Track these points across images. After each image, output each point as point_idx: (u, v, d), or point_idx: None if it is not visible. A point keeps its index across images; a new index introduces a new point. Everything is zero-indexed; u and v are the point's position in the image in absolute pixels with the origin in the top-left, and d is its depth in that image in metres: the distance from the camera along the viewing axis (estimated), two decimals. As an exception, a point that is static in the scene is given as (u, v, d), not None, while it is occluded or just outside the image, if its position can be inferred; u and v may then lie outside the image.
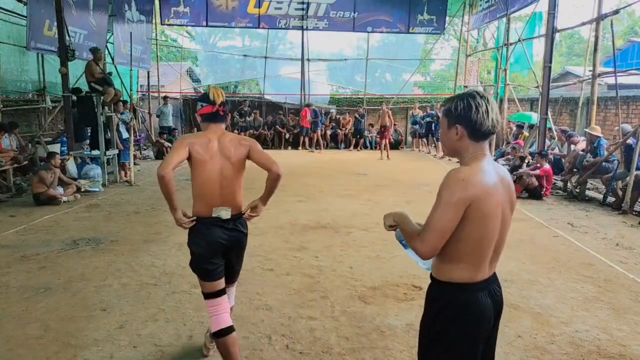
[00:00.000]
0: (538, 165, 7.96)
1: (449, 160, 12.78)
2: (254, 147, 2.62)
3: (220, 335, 2.54)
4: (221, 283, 2.61)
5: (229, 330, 2.55)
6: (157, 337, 3.14)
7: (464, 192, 1.58)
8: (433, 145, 14.83)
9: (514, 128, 12.50)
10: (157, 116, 14.51)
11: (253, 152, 2.61)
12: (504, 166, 9.64)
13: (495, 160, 10.19)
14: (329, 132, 16.04)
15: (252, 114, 15.72)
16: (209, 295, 2.60)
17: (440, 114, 1.80)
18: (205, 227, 2.54)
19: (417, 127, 15.50)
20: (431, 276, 1.78)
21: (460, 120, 1.69)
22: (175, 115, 15.70)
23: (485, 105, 1.67)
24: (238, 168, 2.58)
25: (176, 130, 14.23)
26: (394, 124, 16.47)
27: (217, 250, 2.55)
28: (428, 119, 14.74)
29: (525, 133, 11.29)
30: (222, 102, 2.61)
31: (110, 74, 9.10)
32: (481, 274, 1.70)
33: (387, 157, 13.20)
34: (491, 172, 1.68)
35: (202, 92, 2.74)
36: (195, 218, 2.56)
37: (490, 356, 1.86)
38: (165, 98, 14.62)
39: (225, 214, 2.55)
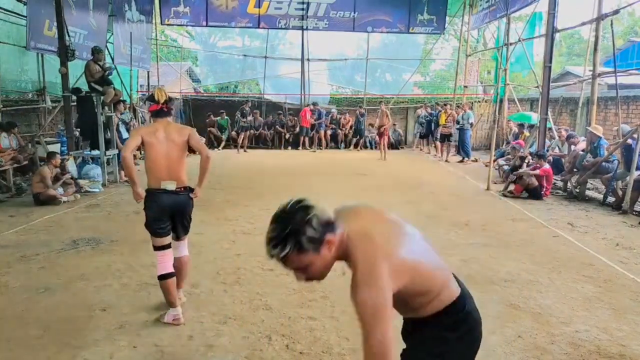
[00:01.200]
0: (538, 165, 7.96)
1: (447, 161, 12.79)
2: (192, 134, 3.38)
3: (164, 277, 3.31)
4: (167, 239, 3.36)
5: (171, 275, 3.34)
6: (157, 337, 3.14)
7: (382, 261, 1.43)
8: (432, 145, 14.81)
9: (514, 128, 12.50)
10: (157, 116, 14.50)
11: (191, 138, 3.36)
12: (503, 166, 9.75)
13: (495, 160, 10.24)
14: (329, 132, 16.05)
15: (252, 114, 15.74)
16: (157, 248, 3.35)
17: (291, 252, 1.45)
18: (156, 196, 3.28)
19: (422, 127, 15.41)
20: (415, 320, 1.70)
21: (325, 231, 1.47)
22: (175, 115, 15.70)
23: (313, 205, 1.49)
24: (181, 150, 3.32)
25: (176, 130, 14.18)
26: (394, 124, 16.47)
27: (165, 212, 3.29)
28: (427, 119, 14.74)
29: (526, 133, 11.29)
30: (166, 101, 3.38)
31: (110, 72, 9.08)
32: (454, 285, 1.66)
33: (384, 157, 13.15)
34: (375, 211, 1.62)
35: (150, 94, 3.51)
36: (145, 195, 3.31)
37: None
38: (165, 98, 14.61)
39: (171, 186, 3.27)
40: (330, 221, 1.49)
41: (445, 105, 14.02)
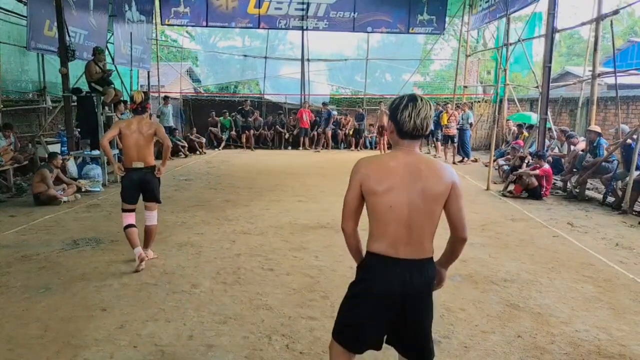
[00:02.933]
0: (537, 165, 7.96)
1: (445, 161, 12.79)
2: (158, 129, 4.46)
3: (127, 227, 4.42)
4: (132, 206, 4.47)
5: (132, 225, 4.44)
6: (157, 337, 3.15)
7: (355, 174, 1.93)
8: (432, 145, 14.82)
9: (512, 128, 12.49)
10: (157, 116, 14.46)
11: (157, 131, 4.43)
12: (503, 166, 9.75)
13: (495, 160, 10.25)
14: (329, 132, 16.06)
15: (252, 114, 15.75)
16: (124, 210, 4.46)
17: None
18: (129, 173, 4.40)
19: None
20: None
21: (391, 117, 1.95)
22: (175, 115, 15.68)
23: (411, 109, 1.87)
24: (148, 140, 4.38)
25: (177, 131, 14.19)
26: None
27: (134, 185, 4.41)
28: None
29: (525, 133, 11.29)
30: (142, 101, 4.42)
31: (110, 72, 9.08)
32: (391, 251, 1.90)
33: None
34: (397, 159, 1.91)
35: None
36: (125, 170, 4.42)
37: (411, 346, 2.02)
38: (165, 98, 14.61)
39: (139, 165, 4.37)
40: (401, 127, 1.93)
41: (446, 104, 14.01)
